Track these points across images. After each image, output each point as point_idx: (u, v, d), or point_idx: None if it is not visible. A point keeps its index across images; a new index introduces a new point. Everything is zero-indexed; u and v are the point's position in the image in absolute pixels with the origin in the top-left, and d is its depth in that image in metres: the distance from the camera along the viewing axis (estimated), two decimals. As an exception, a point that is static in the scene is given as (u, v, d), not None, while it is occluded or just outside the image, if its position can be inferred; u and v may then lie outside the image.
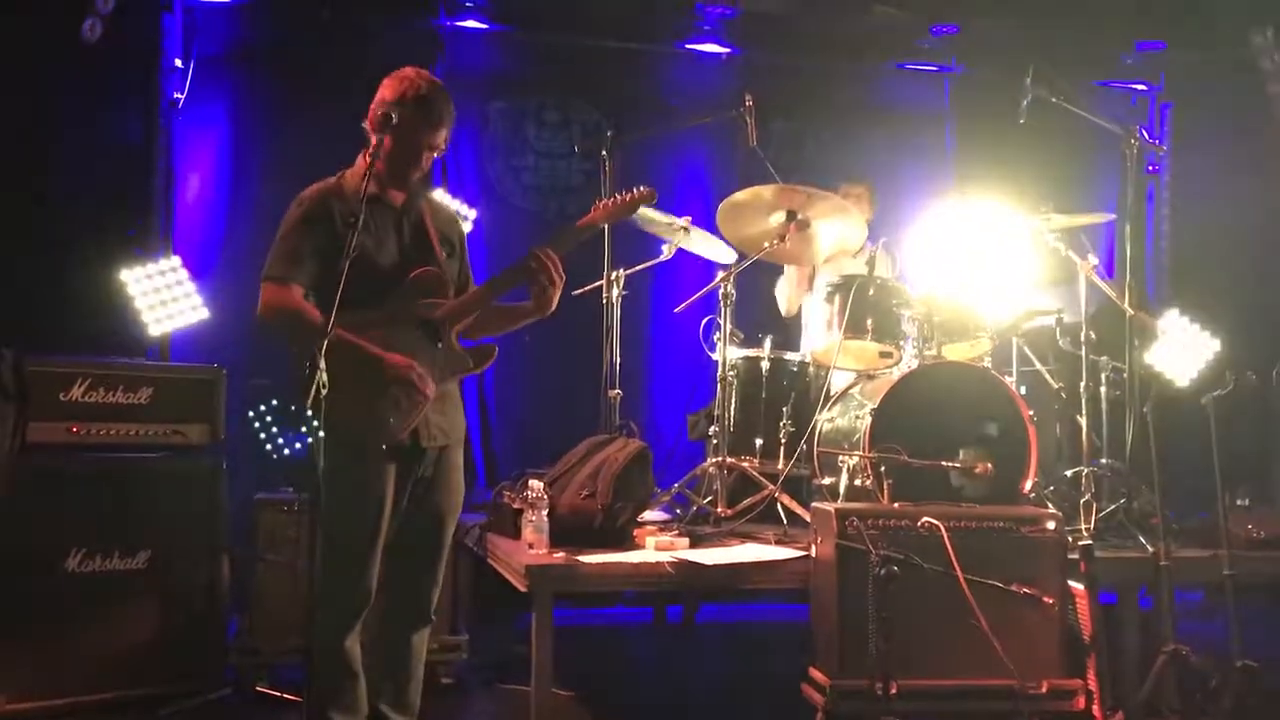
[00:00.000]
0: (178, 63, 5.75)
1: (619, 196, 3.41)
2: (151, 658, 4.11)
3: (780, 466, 4.56)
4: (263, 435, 2.69)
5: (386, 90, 3.18)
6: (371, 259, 3.13)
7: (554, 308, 3.26)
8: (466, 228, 5.77)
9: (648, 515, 4.44)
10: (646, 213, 4.72)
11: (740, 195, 4.69)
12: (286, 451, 2.46)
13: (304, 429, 2.51)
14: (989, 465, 4.00)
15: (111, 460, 4.19)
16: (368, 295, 3.07)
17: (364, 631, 3.21)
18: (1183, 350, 5.04)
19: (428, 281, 3.22)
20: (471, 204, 5.97)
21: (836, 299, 4.67)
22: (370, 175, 3.03)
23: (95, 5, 5.08)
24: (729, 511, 4.46)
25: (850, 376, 4.86)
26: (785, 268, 5.58)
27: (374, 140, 3.11)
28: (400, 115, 3.09)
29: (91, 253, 5.08)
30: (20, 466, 4.00)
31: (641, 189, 3.40)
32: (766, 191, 4.67)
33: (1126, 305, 4.35)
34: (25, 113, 5.15)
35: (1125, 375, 4.50)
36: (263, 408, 2.59)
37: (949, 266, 4.61)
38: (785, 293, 5.63)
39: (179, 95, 5.73)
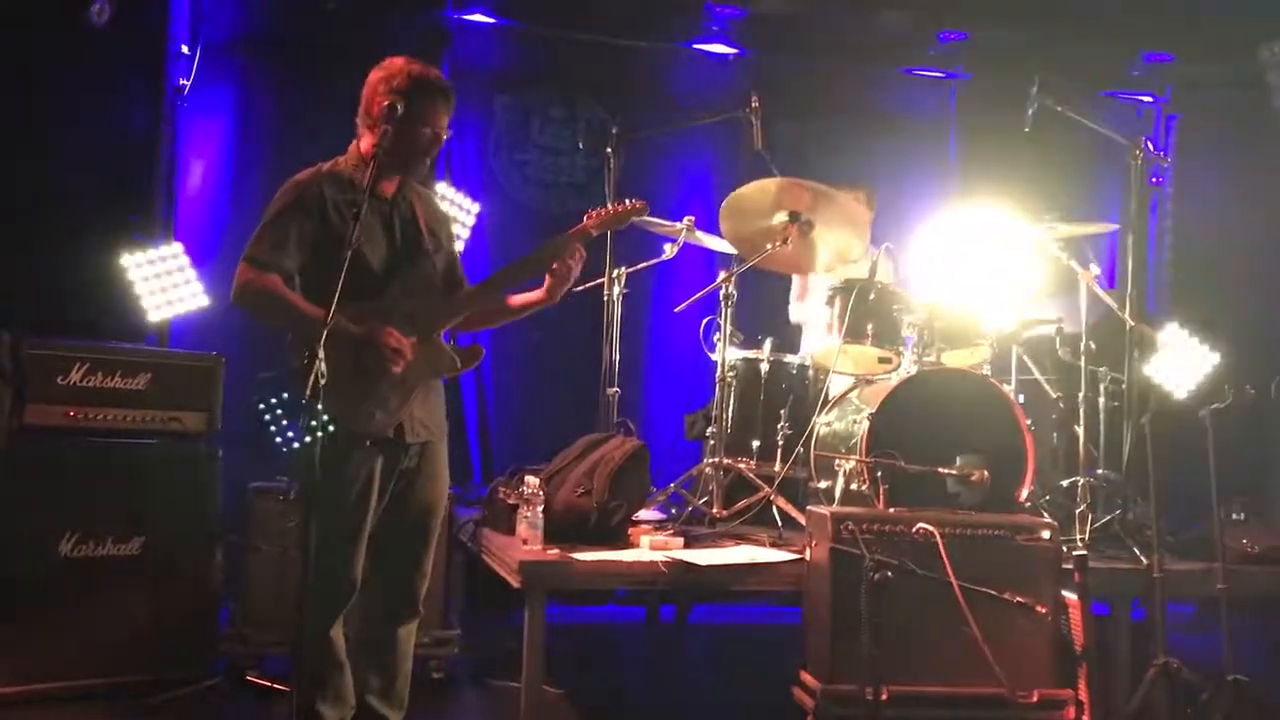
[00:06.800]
0: (184, 49, 5.73)
1: (611, 207, 3.45)
2: (143, 644, 4.10)
3: (777, 469, 4.55)
4: (274, 429, 2.68)
5: (381, 82, 3.15)
6: (361, 252, 3.10)
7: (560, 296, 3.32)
8: (469, 221, 5.81)
9: (643, 514, 4.43)
10: (644, 220, 4.73)
11: (746, 189, 4.66)
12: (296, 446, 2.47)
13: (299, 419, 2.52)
14: (985, 473, 3.99)
15: (108, 445, 4.19)
16: (355, 288, 3.04)
17: (351, 624, 3.21)
18: (1182, 362, 5.04)
19: (417, 279, 3.21)
20: (474, 198, 5.96)
21: (837, 302, 4.66)
22: (375, 165, 3.01)
23: (103, -12, 5.08)
24: (724, 512, 4.45)
25: (849, 380, 4.85)
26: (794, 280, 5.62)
27: (377, 131, 3.09)
28: (404, 104, 3.08)
29: (93, 237, 5.07)
30: (16, 449, 4.00)
31: (633, 201, 3.46)
32: (772, 185, 4.63)
33: (1127, 316, 4.35)
34: (30, 96, 5.14)
35: (1124, 386, 4.50)
36: (274, 400, 2.57)
37: (952, 273, 4.61)
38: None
39: (184, 82, 5.72)
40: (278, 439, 2.66)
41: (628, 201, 3.46)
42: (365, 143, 3.18)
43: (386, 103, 3.08)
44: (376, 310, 3.10)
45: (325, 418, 2.55)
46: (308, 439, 2.54)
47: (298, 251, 3.09)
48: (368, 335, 3.03)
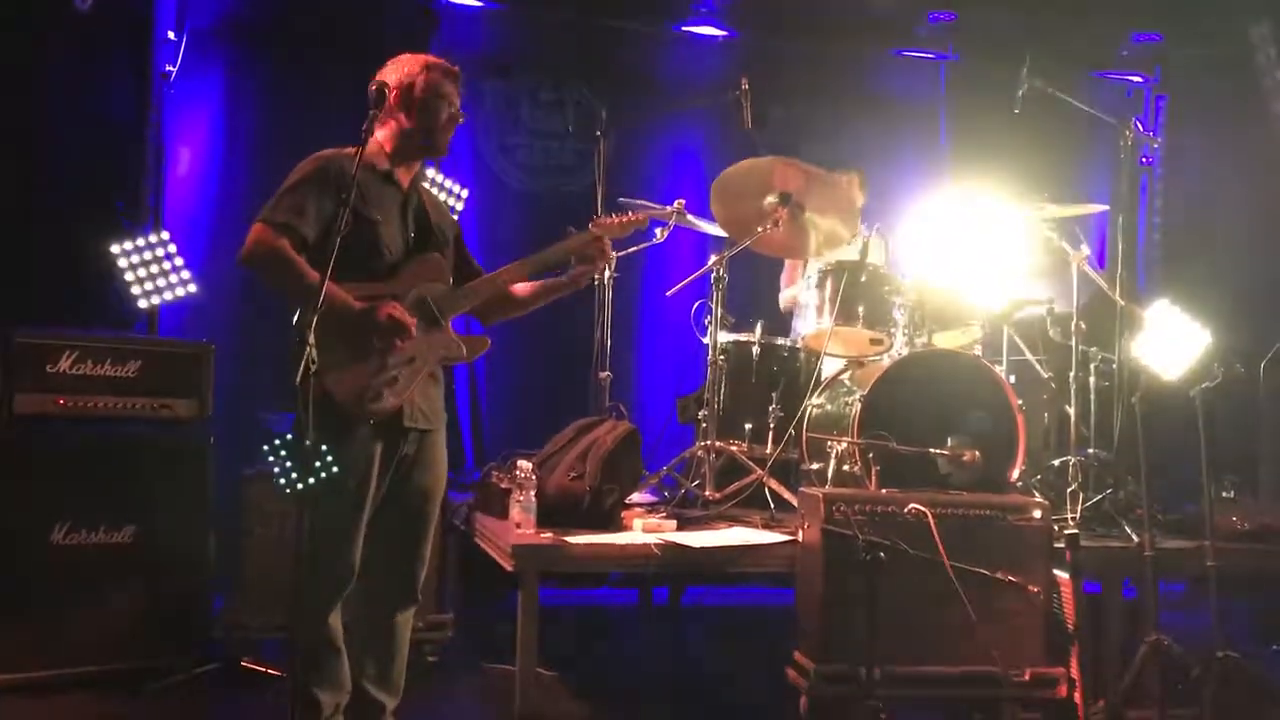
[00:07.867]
0: (170, 35, 5.69)
1: (616, 218, 3.56)
2: (137, 632, 4.10)
3: (769, 451, 4.56)
4: (279, 471, 2.66)
5: (394, 72, 3.22)
6: (378, 236, 3.14)
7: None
8: (459, 207, 5.79)
9: (635, 497, 4.44)
10: (635, 203, 4.72)
11: (736, 167, 4.65)
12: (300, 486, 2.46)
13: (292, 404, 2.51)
14: (977, 453, 4.01)
15: (98, 433, 4.18)
16: (369, 269, 3.10)
17: (348, 610, 3.21)
18: (1172, 342, 5.04)
19: (429, 266, 3.23)
20: (464, 183, 5.95)
21: (828, 285, 4.67)
22: (362, 149, 3.01)
23: (89, -26, 5.04)
24: (717, 495, 4.46)
25: (841, 363, 4.86)
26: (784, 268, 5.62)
27: (390, 119, 3.18)
28: (420, 87, 3.19)
29: (80, 225, 5.04)
30: (6, 438, 3.99)
31: (634, 214, 3.61)
32: (763, 164, 4.63)
33: (1118, 296, 4.36)
34: (15, 83, 5.10)
35: (1115, 366, 4.51)
36: (277, 441, 2.55)
37: (943, 255, 4.61)
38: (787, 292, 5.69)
39: (171, 68, 5.68)
40: (281, 480, 2.65)
41: (629, 213, 3.59)
42: (385, 133, 3.22)
43: (404, 86, 3.18)
44: (388, 291, 3.12)
45: (324, 399, 2.54)
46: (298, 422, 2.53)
47: (314, 222, 3.10)
48: (368, 311, 3.04)
